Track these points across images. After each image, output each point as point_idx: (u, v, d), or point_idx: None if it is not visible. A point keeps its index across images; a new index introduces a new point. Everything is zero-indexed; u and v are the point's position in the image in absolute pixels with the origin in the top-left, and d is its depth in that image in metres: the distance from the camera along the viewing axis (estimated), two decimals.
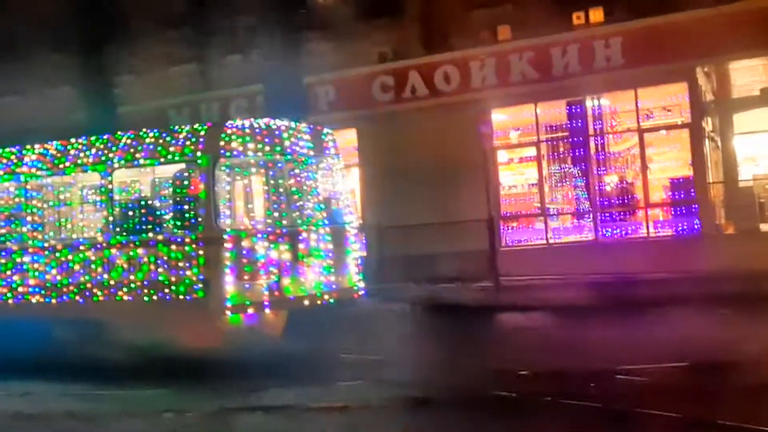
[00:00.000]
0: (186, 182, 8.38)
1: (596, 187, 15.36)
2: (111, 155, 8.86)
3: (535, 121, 15.81)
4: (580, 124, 15.45)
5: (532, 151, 16.12)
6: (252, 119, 8.82)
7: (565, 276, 13.44)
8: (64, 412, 6.99)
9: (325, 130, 9.70)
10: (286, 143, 8.71)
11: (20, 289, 9.17)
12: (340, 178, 9.65)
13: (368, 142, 16.67)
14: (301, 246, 8.48)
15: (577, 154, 15.58)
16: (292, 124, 9.06)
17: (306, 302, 8.44)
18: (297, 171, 8.95)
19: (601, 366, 7.39)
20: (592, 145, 15.49)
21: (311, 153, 9.12)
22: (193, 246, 8.14)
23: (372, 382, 7.52)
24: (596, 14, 15.97)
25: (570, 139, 15.67)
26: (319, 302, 8.58)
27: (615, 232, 15.03)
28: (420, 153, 15.59)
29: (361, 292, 9.52)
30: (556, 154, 16.01)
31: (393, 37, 17.09)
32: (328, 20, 16.75)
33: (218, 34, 17.89)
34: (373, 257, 15.84)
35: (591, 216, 15.30)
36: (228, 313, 8.00)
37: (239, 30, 16.37)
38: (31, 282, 9.11)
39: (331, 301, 8.75)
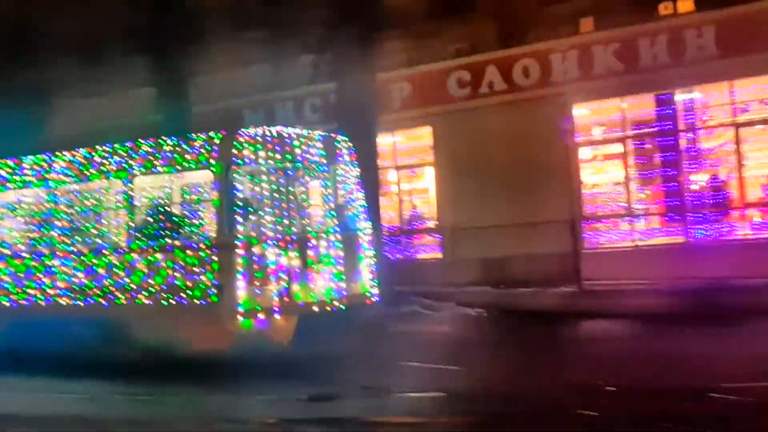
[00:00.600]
0: (201, 189, 8.75)
1: (687, 186, 14.41)
2: (132, 163, 9.08)
3: (621, 116, 14.98)
4: (669, 119, 14.52)
5: (617, 148, 15.27)
6: (264, 127, 8.83)
7: (653, 281, 12.62)
8: (123, 417, 6.87)
9: (339, 138, 9.79)
10: (297, 151, 8.87)
11: (50, 291, 9.39)
12: (354, 185, 9.78)
13: (443, 139, 16.19)
14: (310, 252, 8.63)
15: (666, 150, 14.64)
16: (304, 132, 9.21)
17: (315, 308, 8.53)
18: (308, 178, 9.13)
19: (696, 383, 6.75)
20: (682, 140, 14.53)
21: (323, 160, 9.28)
22: (208, 252, 8.35)
23: (442, 394, 7.08)
24: (685, 3, 15.00)
25: (658, 135, 14.75)
26: (328, 308, 8.64)
27: (707, 233, 14.05)
28: (498, 150, 15.02)
29: (374, 298, 9.55)
30: (643, 150, 15.12)
31: (469, 31, 16.52)
32: (402, 16, 16.34)
33: (292, 33, 17.80)
34: (447, 259, 15.41)
35: (681, 216, 14.36)
36: (240, 317, 8.08)
37: (313, 28, 16.13)
38: (60, 285, 9.32)
39: (342, 307, 8.78)
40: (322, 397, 6.81)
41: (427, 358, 8.52)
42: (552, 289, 13.36)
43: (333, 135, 9.78)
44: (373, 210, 13.41)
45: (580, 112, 15.12)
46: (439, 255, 16.14)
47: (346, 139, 9.93)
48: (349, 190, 9.70)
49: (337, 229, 9.09)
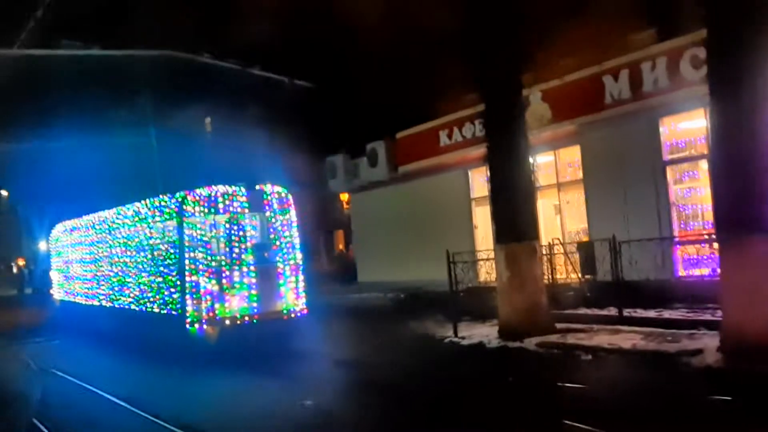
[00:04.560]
0: (171, 233, 12.01)
1: None
2: (150, 213, 12.92)
3: None
4: None
5: None
6: (210, 187, 11.66)
7: None
8: None
9: (268, 191, 12.11)
10: (220, 206, 11.59)
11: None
12: (278, 227, 12.07)
13: None
14: (224, 281, 11.32)
15: None
16: (229, 190, 11.71)
17: (227, 322, 11.21)
18: (228, 225, 11.63)
19: None
20: None
21: (246, 211, 11.79)
22: (176, 277, 11.76)
23: None
24: None
25: None
26: (239, 322, 11.24)
27: None
28: None
29: (293, 314, 11.80)
30: None
31: None
32: None
33: None
34: None
35: None
36: (187, 326, 11.25)
37: None
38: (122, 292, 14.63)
39: (254, 321, 11.34)
40: None
41: None
42: None
43: (261, 188, 12.11)
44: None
45: None
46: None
47: (280, 190, 12.23)
48: (273, 231, 12.04)
49: (252, 262, 11.57)
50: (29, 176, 36.53)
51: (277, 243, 11.95)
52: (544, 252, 13.29)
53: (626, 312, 11.48)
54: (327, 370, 10.14)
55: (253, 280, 11.43)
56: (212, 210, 11.49)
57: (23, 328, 18.04)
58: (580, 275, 13.92)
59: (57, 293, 20.01)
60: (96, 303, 15.89)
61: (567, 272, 14.30)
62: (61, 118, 26.62)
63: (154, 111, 23.78)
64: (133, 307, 13.54)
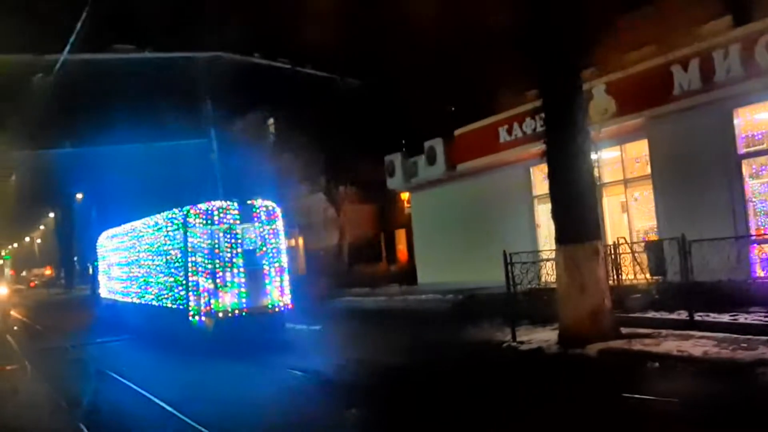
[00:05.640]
0: (179, 241, 14.10)
1: None
2: (165, 224, 15.06)
3: None
4: None
5: None
6: (209, 202, 13.91)
7: None
8: None
9: (256, 204, 14.00)
10: (215, 218, 13.64)
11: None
12: (265, 236, 13.93)
13: None
14: (218, 280, 13.40)
15: None
16: (224, 204, 13.86)
17: (221, 314, 13.24)
18: (221, 234, 13.62)
19: None
20: None
21: (237, 222, 13.77)
22: (182, 277, 13.83)
23: None
24: None
25: None
26: (230, 315, 13.26)
27: None
28: None
29: (277, 309, 13.74)
30: None
31: None
32: None
33: None
34: None
35: None
36: (190, 318, 13.42)
37: None
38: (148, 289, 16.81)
39: (244, 314, 13.32)
40: None
41: None
42: None
43: (252, 202, 13.98)
44: None
45: None
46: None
47: (268, 204, 14.09)
48: (260, 239, 13.83)
49: (241, 265, 13.50)
50: (101, 179, 37.50)
51: (264, 249, 13.83)
52: (609, 252, 12.68)
53: (697, 316, 10.76)
54: (372, 378, 9.92)
55: (243, 280, 13.42)
56: (209, 222, 13.54)
57: (86, 329, 19.34)
58: (647, 276, 13.21)
59: (103, 293, 22.42)
60: (129, 300, 18.17)
61: (634, 273, 13.62)
62: (120, 122, 27.14)
63: (209, 114, 23.93)
64: (154, 303, 15.72)
